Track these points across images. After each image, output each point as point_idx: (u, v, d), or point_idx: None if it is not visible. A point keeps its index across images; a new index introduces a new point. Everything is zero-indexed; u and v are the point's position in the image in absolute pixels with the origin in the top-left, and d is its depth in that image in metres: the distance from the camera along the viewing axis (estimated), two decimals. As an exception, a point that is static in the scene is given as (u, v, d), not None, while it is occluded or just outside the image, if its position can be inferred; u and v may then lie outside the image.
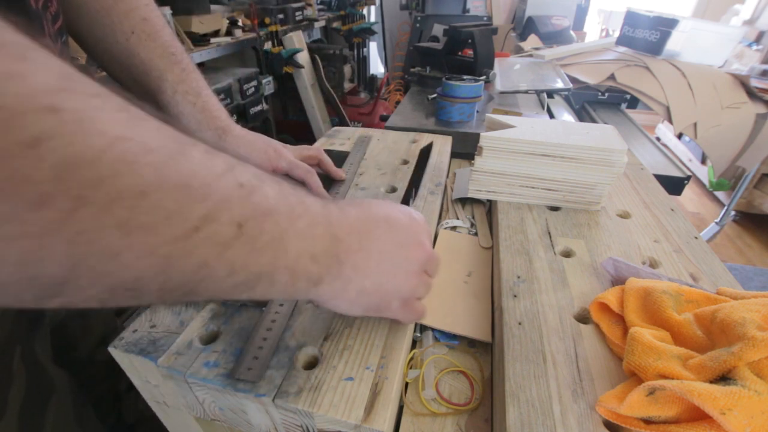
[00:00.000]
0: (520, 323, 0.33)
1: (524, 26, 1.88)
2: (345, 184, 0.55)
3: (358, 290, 0.26)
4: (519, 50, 1.63)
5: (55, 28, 0.31)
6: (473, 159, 0.50)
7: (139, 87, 0.43)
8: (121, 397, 0.35)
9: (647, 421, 0.24)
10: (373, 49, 3.25)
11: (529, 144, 0.46)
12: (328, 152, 0.60)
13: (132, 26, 0.41)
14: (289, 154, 0.49)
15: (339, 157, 0.61)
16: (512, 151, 0.47)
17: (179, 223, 0.15)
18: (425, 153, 0.63)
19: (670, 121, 1.12)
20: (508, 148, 0.47)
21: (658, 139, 2.16)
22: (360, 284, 0.25)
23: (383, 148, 0.67)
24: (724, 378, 0.23)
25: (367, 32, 2.72)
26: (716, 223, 1.79)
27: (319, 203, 0.23)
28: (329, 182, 0.54)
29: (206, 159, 0.17)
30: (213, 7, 1.63)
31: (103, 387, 0.56)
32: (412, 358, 0.35)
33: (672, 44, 1.28)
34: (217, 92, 1.48)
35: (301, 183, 0.48)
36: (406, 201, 0.50)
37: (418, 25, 2.13)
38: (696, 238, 0.44)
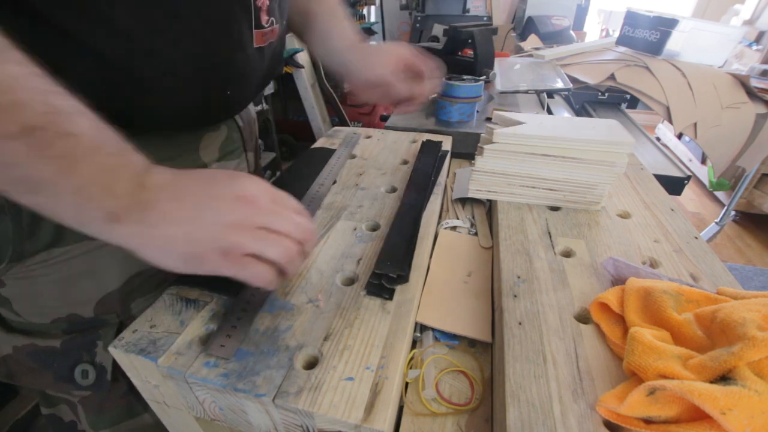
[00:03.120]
0: (520, 323, 0.33)
1: (524, 26, 1.88)
2: (321, 190, 0.52)
3: (166, 238, 0.27)
4: (519, 50, 1.63)
5: None
6: (473, 159, 0.50)
7: (300, 17, 0.55)
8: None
9: (647, 421, 0.24)
10: (373, 49, 3.24)
11: (543, 140, 0.46)
12: (320, 150, 0.60)
13: None
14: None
15: (324, 155, 0.61)
16: (525, 147, 0.47)
17: None
18: (431, 151, 0.63)
19: (670, 121, 1.12)
20: (521, 144, 0.47)
21: (658, 139, 2.16)
22: (168, 232, 0.27)
23: (383, 148, 0.67)
24: (724, 378, 0.23)
25: (367, 32, 2.72)
26: (716, 223, 1.78)
27: (142, 160, 0.27)
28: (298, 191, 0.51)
29: (28, 78, 0.22)
30: (213, 7, 1.63)
31: None
32: (412, 358, 0.35)
33: (672, 44, 1.27)
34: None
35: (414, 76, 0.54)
36: (419, 204, 0.50)
37: (418, 25, 2.13)
38: (696, 238, 0.44)
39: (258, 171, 0.59)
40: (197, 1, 0.34)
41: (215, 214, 0.28)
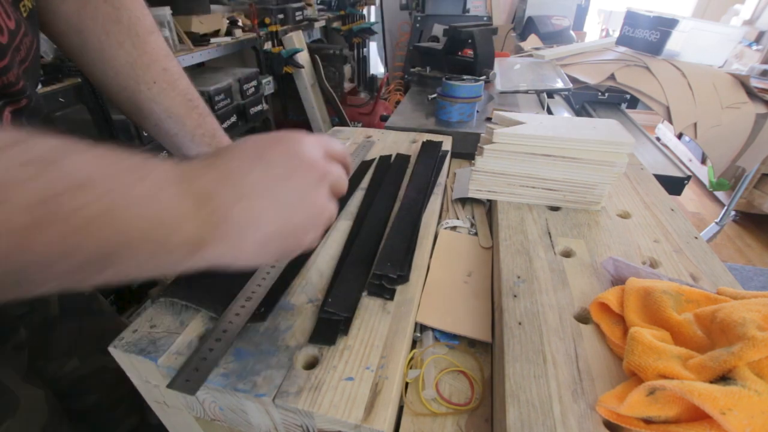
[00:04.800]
0: (520, 323, 0.33)
1: (524, 26, 1.87)
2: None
3: (260, 241, 0.24)
4: (519, 50, 1.63)
5: (22, 69, 0.32)
6: (473, 159, 0.50)
7: (158, 130, 0.46)
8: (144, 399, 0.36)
9: (647, 421, 0.24)
10: (373, 49, 3.24)
11: (542, 140, 0.46)
12: None
13: (154, 77, 0.44)
14: None
15: None
16: (525, 147, 0.47)
17: None
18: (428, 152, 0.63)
19: (670, 121, 1.12)
20: (521, 144, 0.47)
21: (658, 139, 2.16)
22: (261, 234, 0.24)
23: (383, 148, 0.67)
24: (724, 378, 0.23)
25: (367, 32, 2.72)
26: (716, 223, 1.78)
27: (168, 164, 0.22)
28: None
29: None
30: (213, 7, 1.63)
31: (122, 390, 0.56)
32: (412, 358, 0.35)
33: (672, 44, 1.27)
34: (217, 92, 1.48)
35: None
36: (419, 204, 0.50)
37: (418, 25, 2.13)
38: (696, 238, 0.44)
39: None
40: None
41: (292, 193, 0.25)
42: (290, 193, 0.25)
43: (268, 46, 1.87)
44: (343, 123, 2.36)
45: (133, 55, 0.42)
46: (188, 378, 0.29)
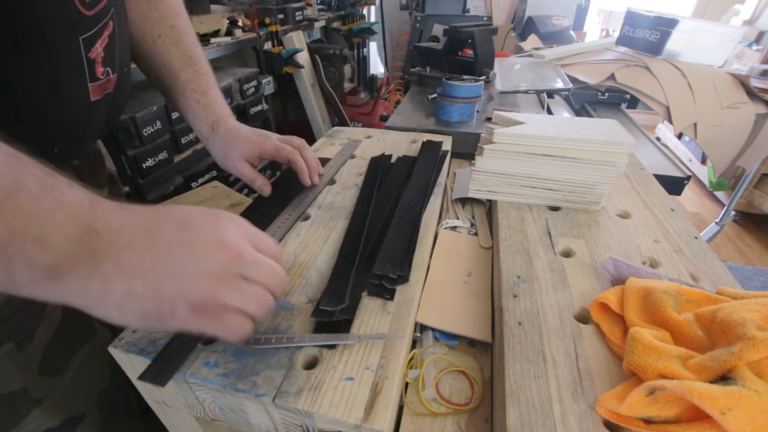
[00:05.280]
0: (520, 323, 0.33)
1: (524, 26, 1.87)
2: (314, 190, 0.53)
3: (125, 293, 0.23)
4: (519, 50, 1.63)
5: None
6: (473, 159, 0.50)
7: (158, 81, 0.51)
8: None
9: (647, 421, 0.24)
10: (373, 49, 3.25)
11: (542, 140, 0.46)
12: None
13: (159, 31, 0.48)
14: (275, 139, 0.52)
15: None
16: (525, 147, 0.47)
17: None
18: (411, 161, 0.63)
19: (670, 121, 1.12)
20: (521, 144, 0.47)
21: (658, 139, 2.16)
22: (127, 286, 0.23)
23: (383, 149, 0.67)
24: (724, 378, 0.23)
25: (367, 32, 2.72)
26: (716, 223, 1.78)
27: (85, 196, 0.23)
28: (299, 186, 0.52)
29: None
30: (213, 7, 1.63)
31: None
32: (412, 358, 0.35)
33: (672, 44, 1.27)
34: (217, 92, 1.48)
35: (287, 163, 0.52)
36: (419, 204, 0.50)
37: (418, 25, 2.13)
38: (696, 238, 0.44)
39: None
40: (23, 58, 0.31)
41: (191, 263, 0.24)
42: (180, 262, 0.24)
43: (268, 46, 1.87)
44: (343, 123, 2.36)
45: (145, 8, 0.47)
46: (159, 370, 0.29)
